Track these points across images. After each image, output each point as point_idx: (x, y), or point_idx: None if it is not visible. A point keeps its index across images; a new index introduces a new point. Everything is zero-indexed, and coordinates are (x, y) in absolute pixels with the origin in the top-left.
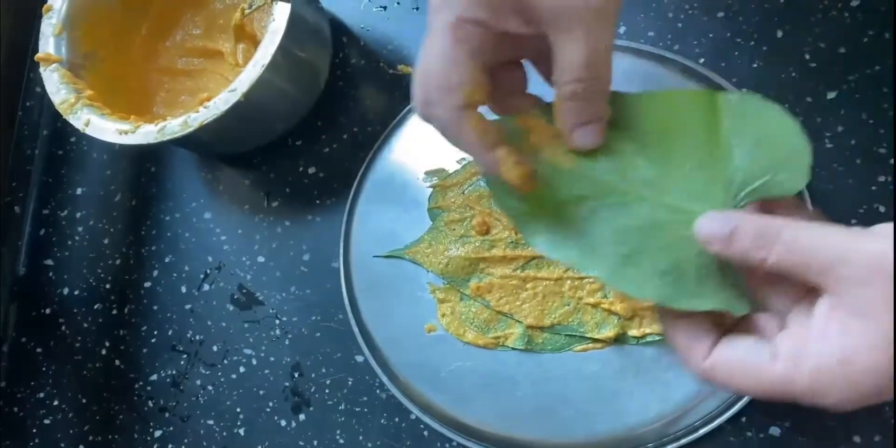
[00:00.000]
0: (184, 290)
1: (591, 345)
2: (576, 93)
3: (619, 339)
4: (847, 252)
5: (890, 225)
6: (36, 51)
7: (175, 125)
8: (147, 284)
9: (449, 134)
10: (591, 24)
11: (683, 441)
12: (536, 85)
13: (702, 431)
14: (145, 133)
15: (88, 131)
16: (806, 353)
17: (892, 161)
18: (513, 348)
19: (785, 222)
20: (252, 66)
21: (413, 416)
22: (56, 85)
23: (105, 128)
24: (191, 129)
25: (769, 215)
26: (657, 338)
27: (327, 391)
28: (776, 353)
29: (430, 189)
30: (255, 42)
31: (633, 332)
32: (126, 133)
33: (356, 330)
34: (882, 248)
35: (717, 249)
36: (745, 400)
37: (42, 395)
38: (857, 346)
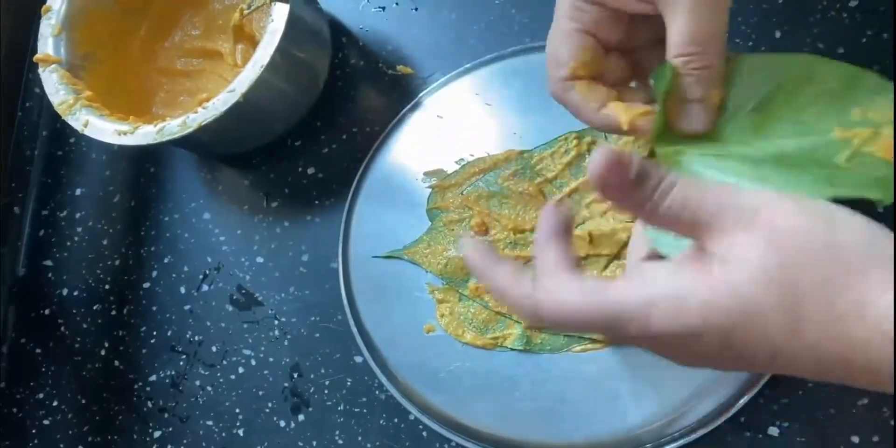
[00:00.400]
0: (183, 290)
1: (589, 345)
2: (679, 69)
3: None
4: (734, 198)
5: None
6: (35, 51)
7: (174, 126)
8: (146, 285)
9: (564, 105)
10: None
11: (681, 441)
12: None
13: (700, 432)
14: (144, 134)
15: (87, 132)
16: (652, 279)
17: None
18: (511, 349)
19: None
20: (251, 67)
21: (412, 417)
22: (55, 86)
23: (104, 128)
24: (190, 130)
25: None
26: None
27: (326, 392)
28: (619, 279)
29: (429, 189)
30: (253, 43)
31: None
32: (125, 134)
33: (355, 330)
34: (763, 198)
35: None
36: (743, 401)
37: (41, 395)
38: (701, 287)
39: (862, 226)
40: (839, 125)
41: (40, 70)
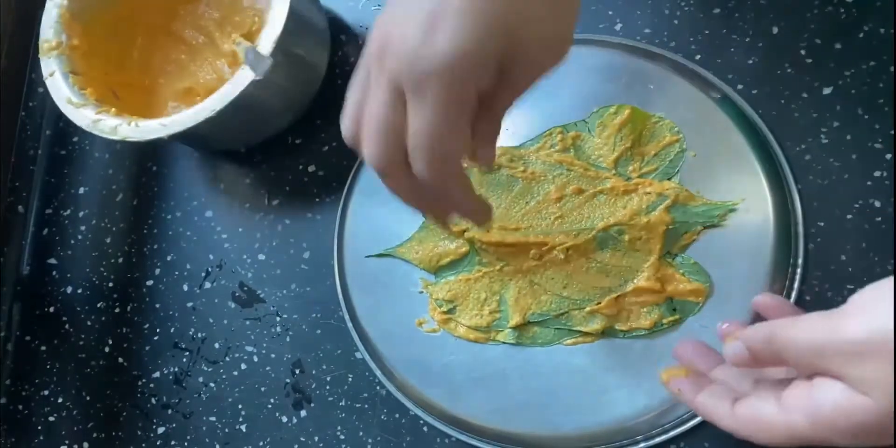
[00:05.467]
0: (185, 288)
1: (580, 338)
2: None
3: (607, 333)
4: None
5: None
6: (37, 50)
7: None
8: (149, 283)
9: (438, 189)
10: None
11: (672, 433)
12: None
13: (691, 423)
14: (112, 126)
15: (48, 83)
16: (803, 404)
17: (888, 156)
18: (503, 342)
19: (771, 324)
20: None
21: (412, 412)
22: (52, 21)
23: (59, 88)
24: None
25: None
26: (643, 332)
27: (328, 387)
28: (783, 405)
29: None
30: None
31: (619, 326)
32: (72, 104)
33: (351, 326)
34: (860, 331)
35: (746, 366)
36: None
37: (46, 392)
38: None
39: None
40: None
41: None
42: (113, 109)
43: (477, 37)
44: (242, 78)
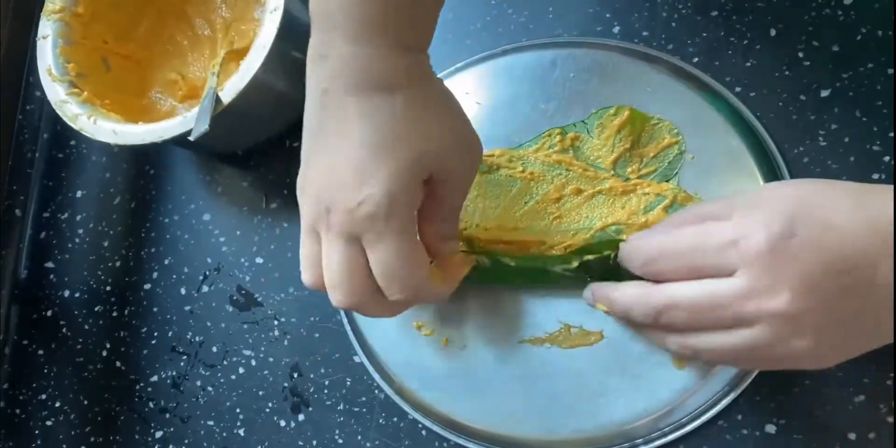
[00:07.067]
0: (183, 291)
1: (578, 341)
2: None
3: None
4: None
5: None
6: (35, 53)
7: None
8: (147, 286)
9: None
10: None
11: (671, 437)
12: None
13: (689, 427)
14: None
15: (38, 43)
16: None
17: (886, 158)
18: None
19: None
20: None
21: (410, 416)
22: None
23: (45, 55)
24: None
25: None
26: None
27: (326, 391)
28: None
29: None
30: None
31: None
32: (51, 74)
33: (349, 330)
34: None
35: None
36: (729, 398)
37: (44, 396)
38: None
39: None
40: None
41: None
42: (85, 94)
43: (398, 177)
44: (191, 117)
